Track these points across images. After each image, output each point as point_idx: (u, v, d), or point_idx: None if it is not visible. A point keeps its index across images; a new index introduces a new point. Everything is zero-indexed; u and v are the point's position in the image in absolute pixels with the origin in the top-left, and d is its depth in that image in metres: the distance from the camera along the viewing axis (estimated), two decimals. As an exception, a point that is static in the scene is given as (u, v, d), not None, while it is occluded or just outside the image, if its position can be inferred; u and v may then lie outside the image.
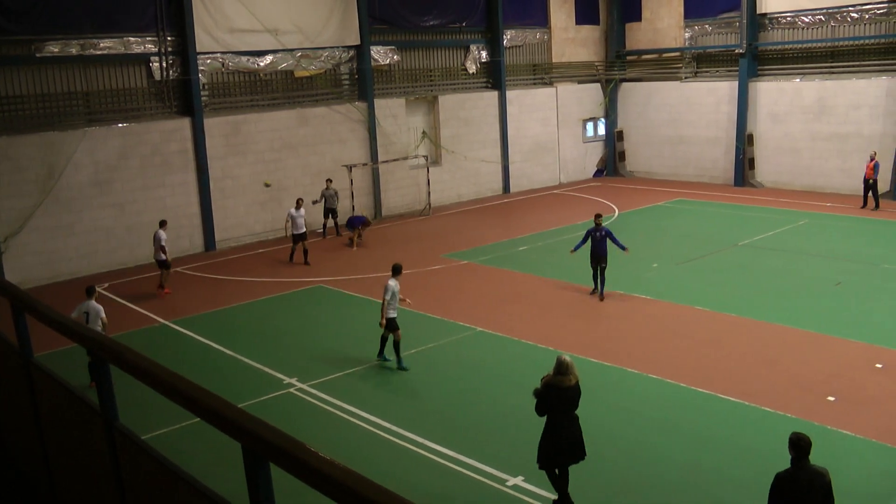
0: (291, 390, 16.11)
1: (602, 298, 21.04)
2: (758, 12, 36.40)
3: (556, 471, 11.31)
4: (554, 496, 11.42)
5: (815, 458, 12.48)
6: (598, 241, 20.81)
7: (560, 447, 11.11)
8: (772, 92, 36.41)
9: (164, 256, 23.22)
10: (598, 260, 20.94)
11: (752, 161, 37.17)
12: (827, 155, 35.01)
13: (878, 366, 16.21)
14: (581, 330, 19.08)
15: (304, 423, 14.50)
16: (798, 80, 35.72)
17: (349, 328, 19.93)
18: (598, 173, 42.58)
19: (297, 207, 26.16)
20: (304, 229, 26.13)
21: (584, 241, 21.24)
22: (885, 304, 19.90)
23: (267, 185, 28.36)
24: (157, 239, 23.21)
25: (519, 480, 12.07)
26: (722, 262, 24.51)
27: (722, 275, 23.19)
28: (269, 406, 15.26)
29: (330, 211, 30.34)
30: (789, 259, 24.35)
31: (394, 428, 14.15)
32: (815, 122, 35.20)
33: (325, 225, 30.81)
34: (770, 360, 16.61)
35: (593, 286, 21.44)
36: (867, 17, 34.04)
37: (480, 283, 23.43)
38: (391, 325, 16.67)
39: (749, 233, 27.81)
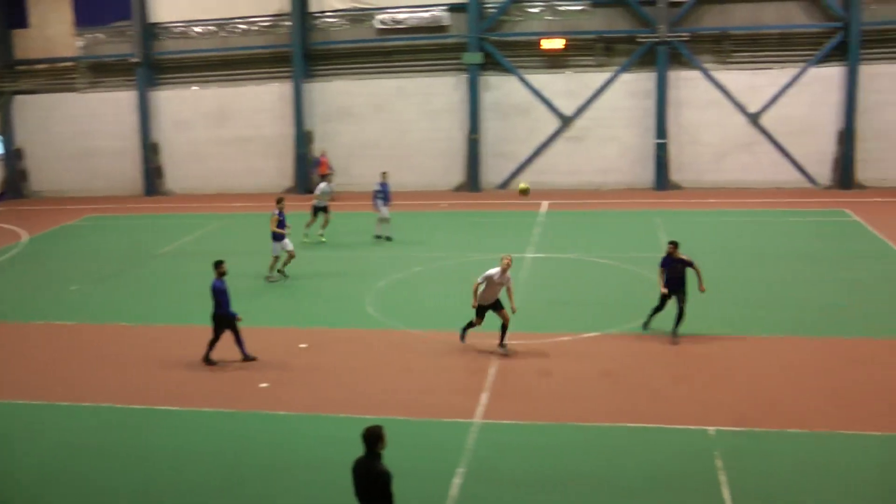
0: None
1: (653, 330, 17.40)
2: (150, 21, 36.31)
3: None
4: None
5: (260, 442, 12.83)
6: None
7: None
8: (173, 100, 36.66)
9: None
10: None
11: (160, 170, 37.07)
12: (233, 158, 36.26)
13: (303, 346, 17.23)
14: None
15: None
16: (196, 87, 36.42)
17: None
18: (0, 197, 39.03)
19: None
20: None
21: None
22: (303, 291, 21.16)
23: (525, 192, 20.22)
24: None
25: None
26: (144, 273, 24.05)
27: (145, 285, 22.78)
28: None
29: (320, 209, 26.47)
30: (203, 261, 24.35)
31: None
32: (219, 128, 36.28)
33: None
34: (188, 362, 16.53)
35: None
36: (255, 28, 35.85)
37: None
38: None
39: (166, 241, 27.63)
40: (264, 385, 15.25)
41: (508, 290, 16.09)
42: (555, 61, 34.27)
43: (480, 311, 16.24)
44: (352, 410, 13.92)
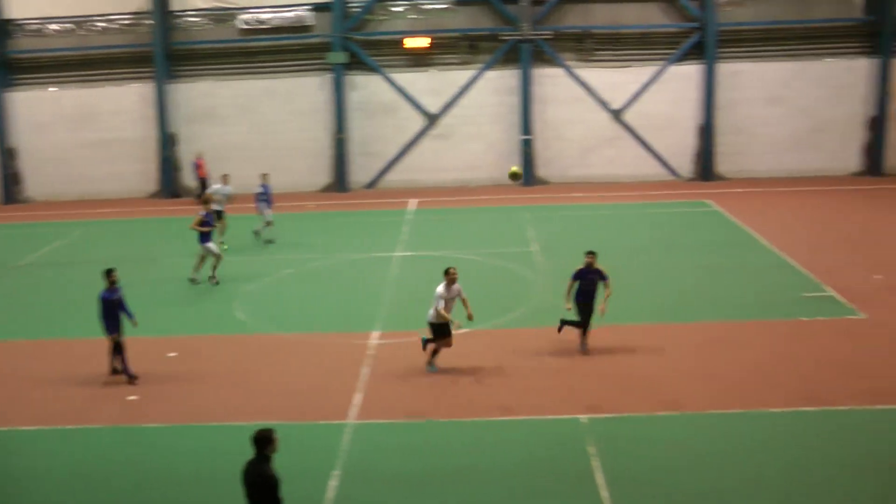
0: None
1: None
2: (2, 18, 34.72)
3: None
4: None
5: (133, 457, 12.47)
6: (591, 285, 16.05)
7: None
8: (30, 102, 35.06)
9: None
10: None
11: (17, 176, 35.50)
12: (96, 162, 34.98)
13: (172, 354, 16.82)
14: None
15: None
16: (55, 88, 35.07)
17: None
18: None
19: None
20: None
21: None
22: (168, 298, 20.73)
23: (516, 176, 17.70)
24: None
25: None
26: (1, 286, 23.02)
27: (2, 300, 21.79)
28: None
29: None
30: (67, 271, 23.73)
31: None
32: (81, 131, 34.91)
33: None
34: (53, 379, 15.90)
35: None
36: (115, 27, 34.75)
37: None
38: None
39: (26, 251, 26.39)
40: (133, 398, 14.81)
41: (463, 300, 15.53)
42: (420, 60, 34.44)
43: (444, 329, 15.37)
44: (225, 418, 13.75)
